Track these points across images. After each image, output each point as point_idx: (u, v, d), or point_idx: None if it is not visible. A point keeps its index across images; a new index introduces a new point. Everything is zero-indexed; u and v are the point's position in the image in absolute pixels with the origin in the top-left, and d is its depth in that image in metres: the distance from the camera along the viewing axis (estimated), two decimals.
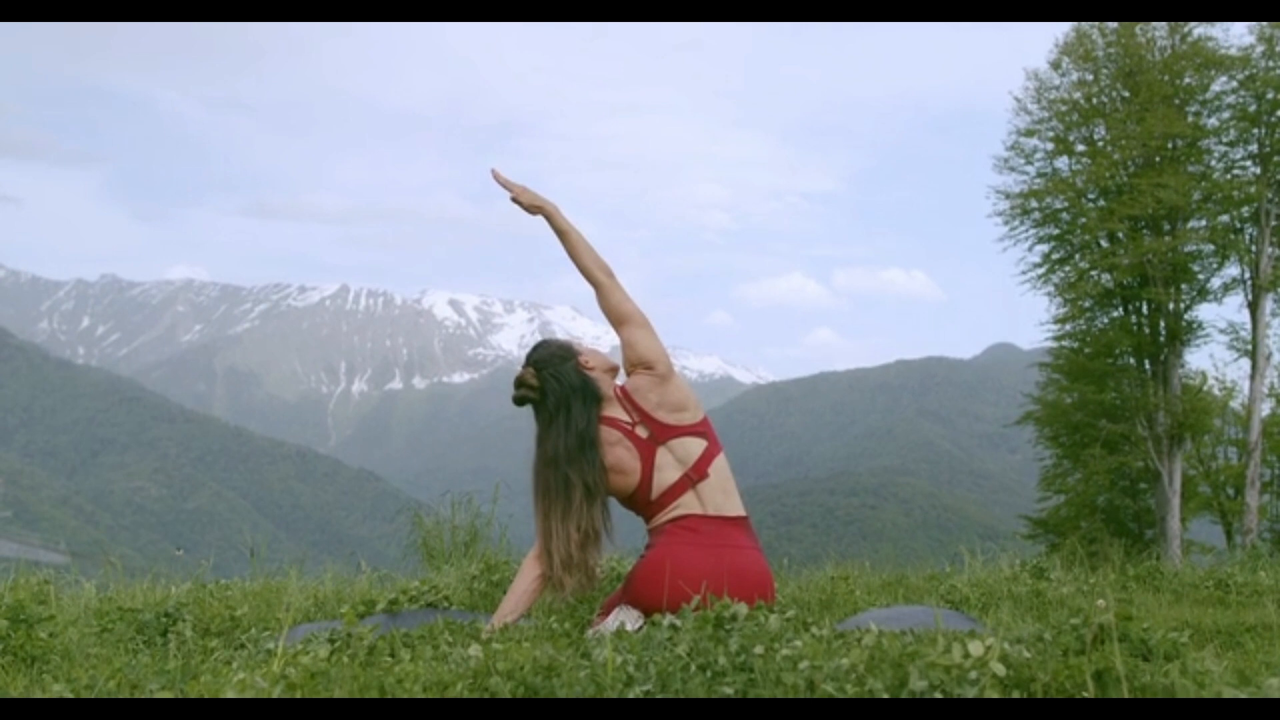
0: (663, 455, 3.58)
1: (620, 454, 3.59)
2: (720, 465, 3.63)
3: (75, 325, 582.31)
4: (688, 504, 3.55)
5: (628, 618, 3.45)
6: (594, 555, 3.57)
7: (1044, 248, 22.80)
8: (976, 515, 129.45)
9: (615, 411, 3.64)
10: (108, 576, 4.88)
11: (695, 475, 3.57)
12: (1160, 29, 21.86)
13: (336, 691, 2.19)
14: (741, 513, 3.62)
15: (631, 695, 2.10)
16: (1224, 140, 21.88)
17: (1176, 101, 21.33)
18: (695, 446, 3.60)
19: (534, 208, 3.83)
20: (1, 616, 3.11)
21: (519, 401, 3.70)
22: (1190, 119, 21.39)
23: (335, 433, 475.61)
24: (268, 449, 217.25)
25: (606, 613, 3.59)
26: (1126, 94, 21.83)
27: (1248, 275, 21.36)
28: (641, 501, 3.61)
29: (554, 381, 3.64)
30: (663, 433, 3.60)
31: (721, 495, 3.58)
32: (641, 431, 3.60)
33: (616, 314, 3.73)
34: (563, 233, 3.79)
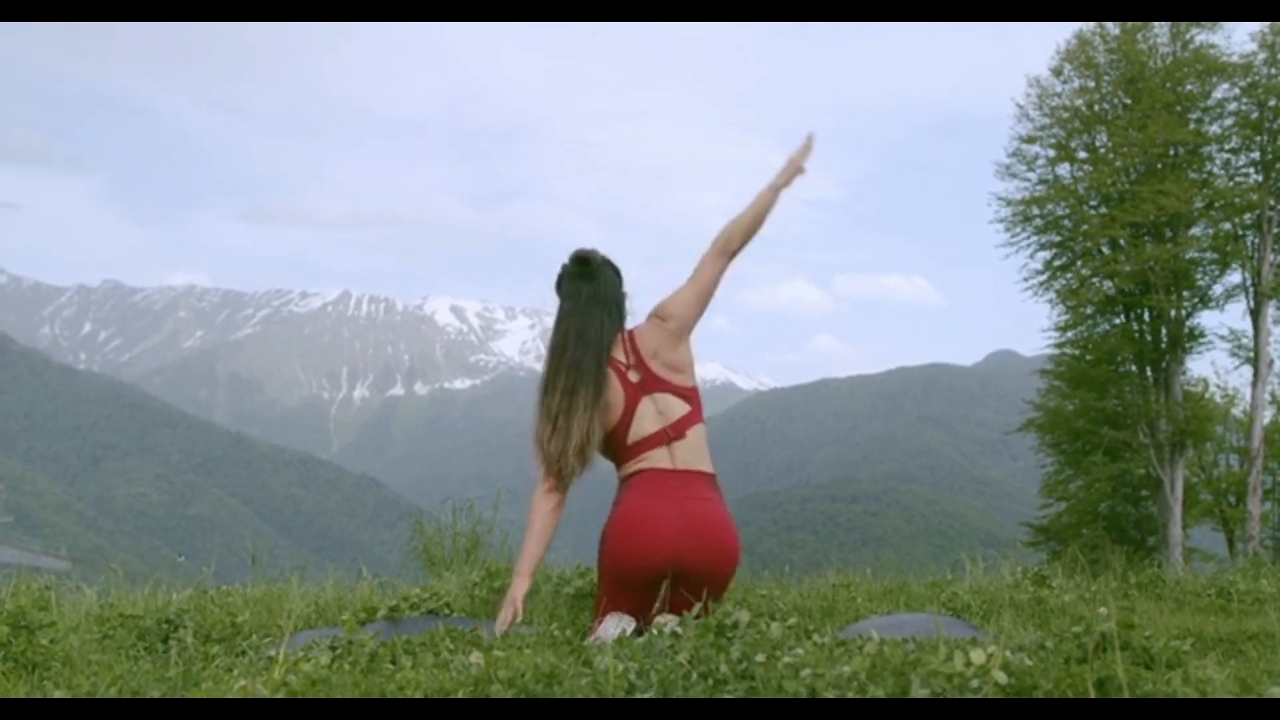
0: (645, 404, 3.63)
1: (611, 388, 3.64)
2: (698, 433, 3.68)
3: (77, 331, 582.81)
4: (658, 458, 3.59)
5: (626, 625, 3.46)
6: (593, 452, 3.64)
7: (1045, 254, 22.82)
8: (978, 522, 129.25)
9: (616, 351, 3.70)
10: (109, 583, 4.87)
11: (673, 433, 3.62)
12: (1162, 36, 21.88)
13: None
14: (710, 470, 3.67)
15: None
16: (1226, 147, 21.89)
17: (1178, 108, 21.33)
18: (678, 407, 3.65)
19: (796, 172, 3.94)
20: (2, 623, 3.11)
21: (581, 262, 3.74)
22: (1192, 126, 21.39)
23: (337, 439, 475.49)
24: (269, 455, 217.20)
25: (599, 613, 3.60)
26: (1128, 101, 21.83)
27: (1250, 282, 21.35)
28: (617, 444, 3.65)
29: (612, 276, 3.79)
30: (651, 383, 3.65)
31: (694, 455, 3.63)
32: (633, 376, 3.67)
33: (701, 274, 3.79)
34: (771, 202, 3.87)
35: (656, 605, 3.48)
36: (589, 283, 3.74)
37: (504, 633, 3.43)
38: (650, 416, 3.62)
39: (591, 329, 3.66)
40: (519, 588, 3.62)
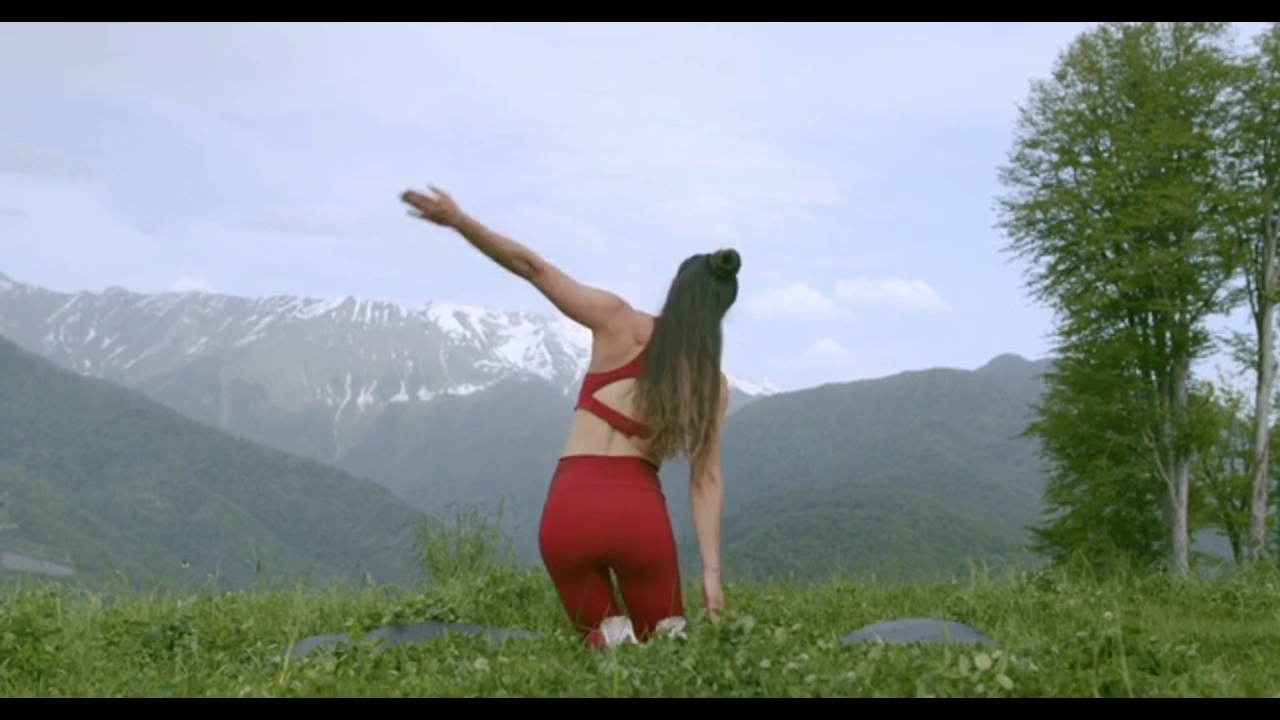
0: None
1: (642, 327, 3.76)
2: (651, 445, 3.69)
3: (81, 338, 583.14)
4: (598, 441, 3.65)
5: (623, 628, 3.47)
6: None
7: (1049, 259, 22.83)
8: (983, 527, 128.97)
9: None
10: (114, 589, 4.88)
11: (632, 431, 3.67)
12: (1165, 40, 21.89)
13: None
14: (647, 456, 3.70)
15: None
16: (1230, 151, 21.90)
17: (1181, 113, 21.33)
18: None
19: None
20: (8, 630, 3.11)
21: (727, 260, 3.77)
22: (1195, 130, 21.39)
23: (341, 445, 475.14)
24: (273, 461, 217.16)
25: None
26: (1131, 105, 21.83)
27: (1254, 286, 21.34)
28: (599, 381, 3.72)
29: (736, 290, 3.85)
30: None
31: (634, 447, 3.68)
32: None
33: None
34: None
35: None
36: (726, 285, 3.82)
37: (409, 194, 3.58)
38: (633, 404, 3.68)
39: (719, 333, 3.77)
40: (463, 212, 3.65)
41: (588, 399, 3.73)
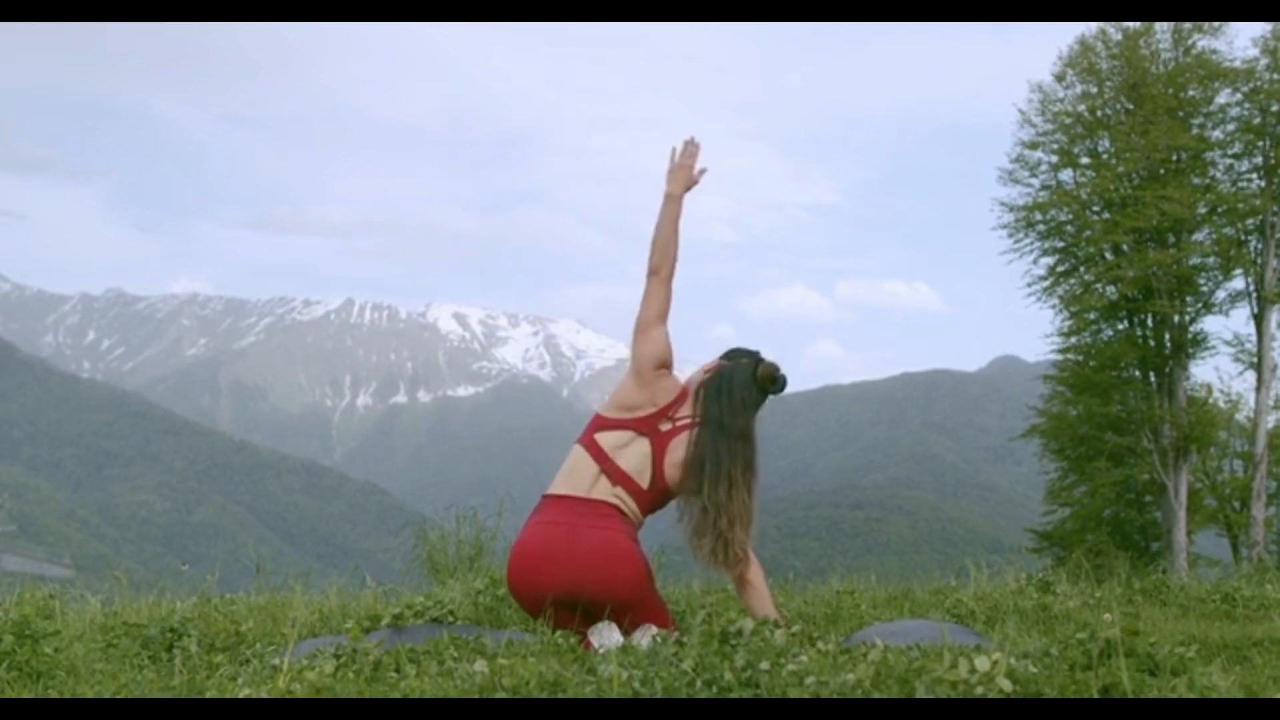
0: (641, 446, 3.74)
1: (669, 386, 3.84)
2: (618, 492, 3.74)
3: (80, 339, 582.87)
4: (583, 483, 3.69)
5: (611, 632, 3.47)
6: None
7: (1049, 260, 22.82)
8: (982, 528, 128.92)
9: (677, 404, 3.84)
10: (113, 591, 4.88)
11: (622, 483, 3.70)
12: (1164, 41, 21.91)
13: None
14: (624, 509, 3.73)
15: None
16: (1229, 153, 21.91)
17: (1180, 114, 21.35)
18: (648, 472, 3.73)
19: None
20: (7, 632, 3.11)
21: (772, 380, 3.85)
22: (1194, 131, 21.40)
23: (340, 446, 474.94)
24: (273, 462, 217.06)
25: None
26: (1130, 106, 21.84)
27: (1253, 287, 21.35)
28: (600, 425, 3.78)
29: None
30: (664, 438, 3.77)
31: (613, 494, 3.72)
32: (664, 425, 3.79)
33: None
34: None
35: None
36: (764, 399, 3.88)
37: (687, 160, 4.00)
38: (636, 458, 3.72)
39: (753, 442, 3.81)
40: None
41: (588, 437, 3.77)
